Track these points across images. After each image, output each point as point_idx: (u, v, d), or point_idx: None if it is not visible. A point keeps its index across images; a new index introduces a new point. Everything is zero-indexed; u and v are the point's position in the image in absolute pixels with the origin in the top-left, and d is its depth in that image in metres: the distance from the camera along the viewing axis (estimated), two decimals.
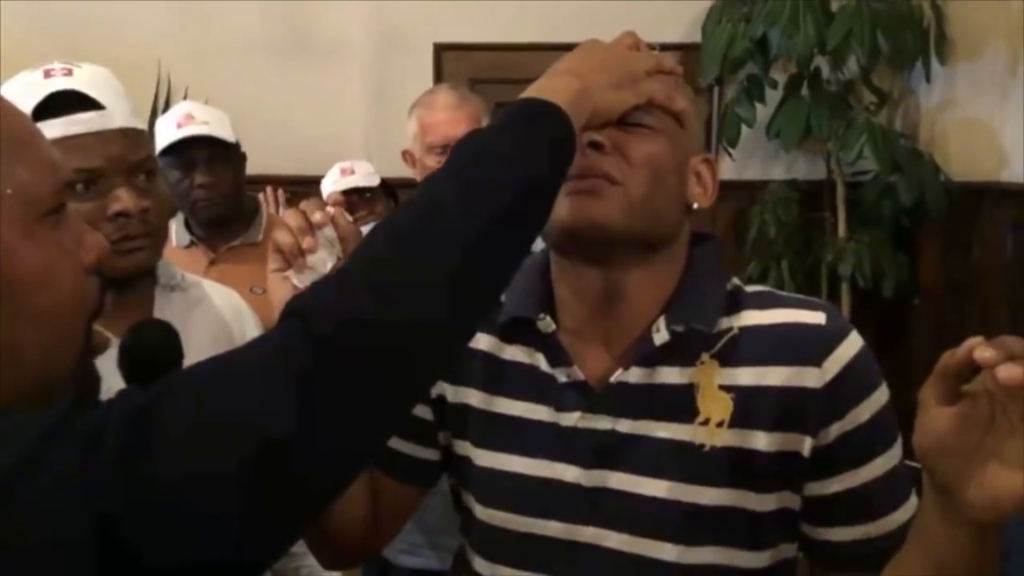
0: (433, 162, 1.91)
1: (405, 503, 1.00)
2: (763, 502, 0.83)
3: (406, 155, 2.01)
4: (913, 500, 0.85)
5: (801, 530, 0.87)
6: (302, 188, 3.08)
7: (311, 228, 0.82)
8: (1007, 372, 0.60)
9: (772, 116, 3.30)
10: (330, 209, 0.83)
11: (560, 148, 0.70)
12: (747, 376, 0.83)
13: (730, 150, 3.38)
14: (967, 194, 3.24)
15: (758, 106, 3.28)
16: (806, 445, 0.82)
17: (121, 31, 3.50)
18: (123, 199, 1.06)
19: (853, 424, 0.82)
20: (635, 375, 0.86)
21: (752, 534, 0.84)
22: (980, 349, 0.62)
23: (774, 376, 0.83)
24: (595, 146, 0.80)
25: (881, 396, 0.83)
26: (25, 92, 1.04)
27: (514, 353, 0.91)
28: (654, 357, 0.85)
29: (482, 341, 0.92)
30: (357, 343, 0.58)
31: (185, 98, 3.36)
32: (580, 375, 0.87)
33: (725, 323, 0.86)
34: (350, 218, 0.86)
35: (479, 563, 0.93)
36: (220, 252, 2.09)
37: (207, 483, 0.54)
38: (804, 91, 3.24)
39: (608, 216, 0.81)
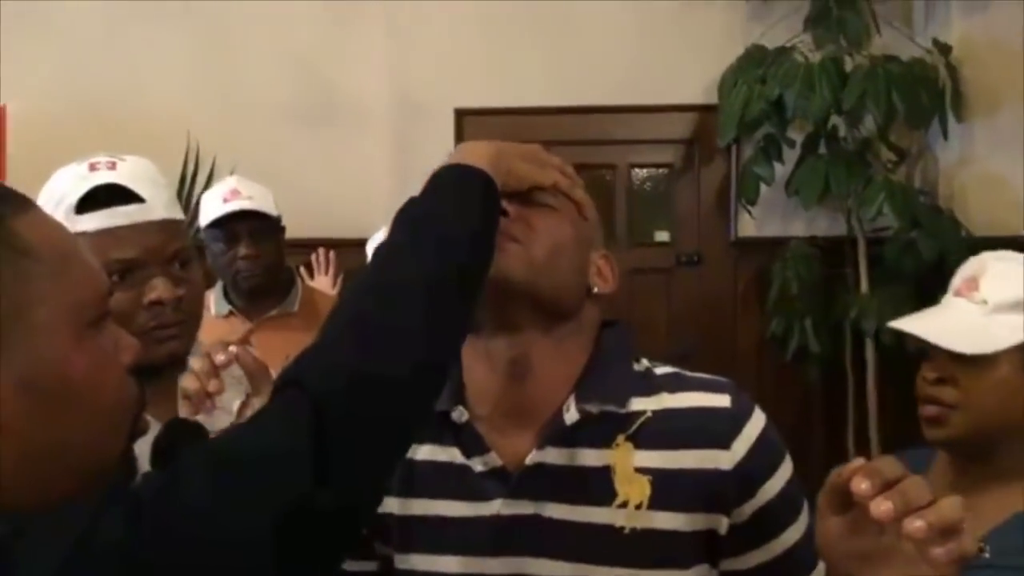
0: None
1: None
2: None
3: None
4: (821, 565, 0.87)
5: None
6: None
7: (216, 370, 0.87)
8: (876, 510, 0.65)
9: (791, 174, 3.33)
10: (232, 348, 0.87)
11: (491, 202, 0.80)
12: (662, 459, 0.87)
13: (749, 208, 3.41)
14: (989, 248, 3.22)
15: (776, 164, 3.31)
16: (723, 524, 0.87)
17: (150, 100, 3.60)
18: (159, 288, 1.09)
19: (764, 500, 0.87)
20: (551, 456, 0.88)
21: None
22: (856, 480, 0.67)
23: (687, 459, 0.87)
24: (502, 213, 0.85)
25: (786, 469, 0.89)
26: (71, 184, 1.09)
27: (428, 452, 0.92)
28: (567, 437, 0.88)
29: None
30: (353, 397, 0.64)
31: (213, 165, 3.44)
32: (497, 461, 0.89)
33: (638, 404, 0.89)
34: (255, 352, 0.89)
35: None
36: (257, 322, 2.14)
37: (240, 548, 0.57)
38: (822, 149, 3.27)
39: (510, 270, 0.84)
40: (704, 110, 3.59)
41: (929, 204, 3.29)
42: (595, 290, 0.93)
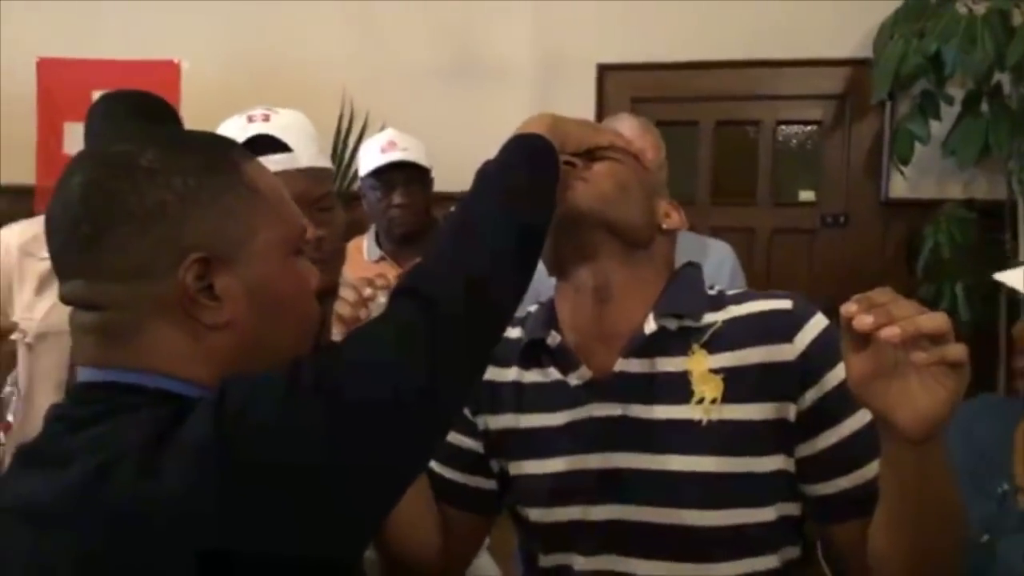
0: None
1: (473, 532, 1.15)
2: (761, 464, 0.98)
3: None
4: None
5: (800, 491, 1.00)
6: None
7: (364, 301, 1.03)
8: (860, 324, 0.76)
9: (948, 133, 3.18)
10: (379, 282, 1.06)
11: (550, 157, 0.95)
12: (732, 359, 0.99)
13: (902, 168, 3.28)
14: None
15: (933, 122, 3.17)
16: (791, 411, 0.97)
17: (308, 60, 3.79)
18: None
19: (827, 388, 0.96)
20: (635, 366, 1.01)
21: (756, 493, 0.98)
22: (846, 305, 0.78)
23: (755, 355, 0.99)
24: (569, 164, 1.01)
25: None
26: (232, 135, 1.20)
27: (533, 376, 1.08)
28: (647, 348, 1.01)
29: (509, 374, 1.10)
30: (456, 304, 0.79)
31: (366, 121, 3.60)
32: (588, 374, 1.03)
33: (710, 318, 1.02)
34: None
35: (543, 560, 1.08)
36: (406, 266, 2.27)
37: (380, 403, 0.73)
38: (983, 107, 3.11)
39: (580, 201, 1.00)
40: (857, 64, 3.47)
41: None
42: (664, 226, 1.07)
